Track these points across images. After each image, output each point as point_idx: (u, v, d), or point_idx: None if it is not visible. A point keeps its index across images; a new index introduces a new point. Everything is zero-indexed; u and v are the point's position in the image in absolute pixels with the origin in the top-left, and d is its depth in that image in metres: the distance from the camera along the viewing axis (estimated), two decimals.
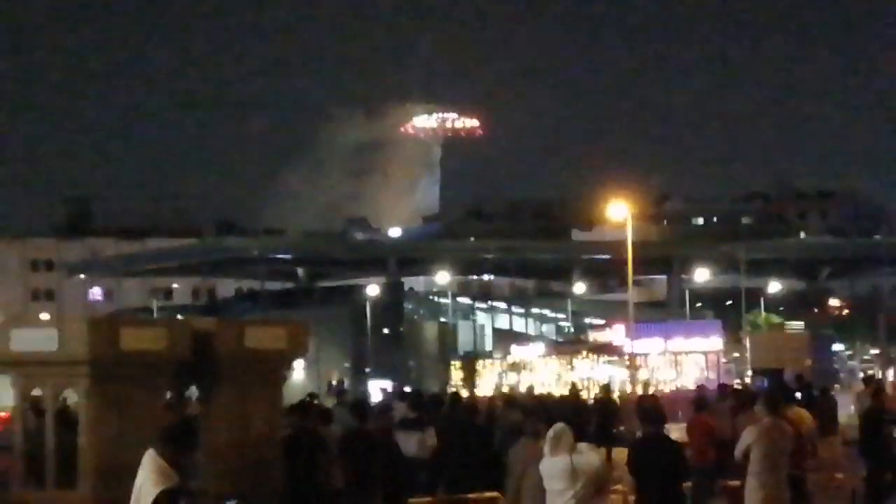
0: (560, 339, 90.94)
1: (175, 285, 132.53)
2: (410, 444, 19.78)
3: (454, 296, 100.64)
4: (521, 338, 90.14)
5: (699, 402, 18.16)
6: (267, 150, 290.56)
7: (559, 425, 13.31)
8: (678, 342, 59.75)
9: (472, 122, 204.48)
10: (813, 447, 19.53)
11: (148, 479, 9.33)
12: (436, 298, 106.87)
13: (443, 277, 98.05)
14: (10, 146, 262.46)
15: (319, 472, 16.71)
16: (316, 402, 25.44)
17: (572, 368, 62.40)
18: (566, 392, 37.71)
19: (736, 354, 67.80)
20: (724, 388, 27.68)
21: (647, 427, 14.62)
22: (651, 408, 15.90)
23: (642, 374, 53.87)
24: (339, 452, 17.03)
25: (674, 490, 14.14)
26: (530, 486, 14.47)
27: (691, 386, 52.75)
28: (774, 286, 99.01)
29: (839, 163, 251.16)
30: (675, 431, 20.85)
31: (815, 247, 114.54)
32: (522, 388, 54.98)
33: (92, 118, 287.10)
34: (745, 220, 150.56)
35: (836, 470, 21.90)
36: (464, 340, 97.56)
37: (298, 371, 72.53)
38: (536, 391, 38.65)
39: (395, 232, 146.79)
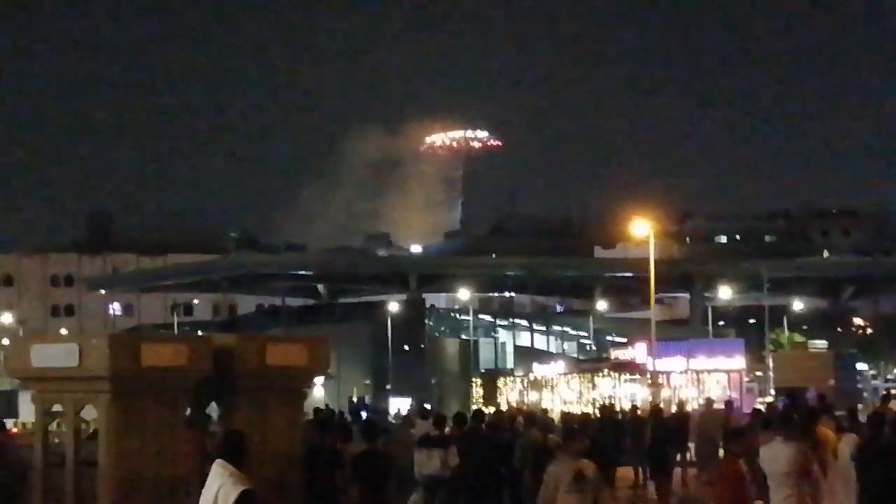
0: (582, 357, 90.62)
1: (195, 301, 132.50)
2: (433, 462, 19.61)
3: (475, 313, 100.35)
4: (543, 355, 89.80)
5: (766, 422, 17.43)
6: (288, 167, 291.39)
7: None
8: (701, 360, 59.46)
9: (493, 140, 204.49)
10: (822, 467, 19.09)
11: (226, 483, 10.09)
12: (457, 315, 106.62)
13: (464, 294, 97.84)
14: (32, 162, 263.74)
15: (337, 489, 16.59)
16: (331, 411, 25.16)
17: (594, 387, 62.13)
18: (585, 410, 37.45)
19: (759, 373, 67.43)
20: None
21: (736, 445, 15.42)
22: (736, 427, 15.92)
23: (664, 393, 53.54)
24: (352, 473, 16.87)
25: None
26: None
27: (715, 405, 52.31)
28: (797, 305, 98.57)
29: (862, 181, 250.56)
30: None
31: (838, 265, 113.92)
32: (544, 406, 54.74)
33: (114, 135, 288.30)
34: (767, 239, 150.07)
35: None
36: (485, 358, 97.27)
37: (318, 388, 72.36)
38: (558, 409, 38.48)
39: (416, 248, 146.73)
